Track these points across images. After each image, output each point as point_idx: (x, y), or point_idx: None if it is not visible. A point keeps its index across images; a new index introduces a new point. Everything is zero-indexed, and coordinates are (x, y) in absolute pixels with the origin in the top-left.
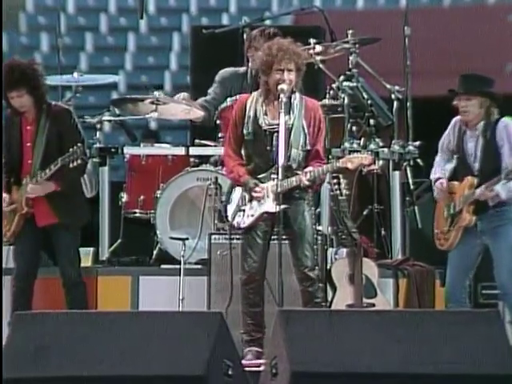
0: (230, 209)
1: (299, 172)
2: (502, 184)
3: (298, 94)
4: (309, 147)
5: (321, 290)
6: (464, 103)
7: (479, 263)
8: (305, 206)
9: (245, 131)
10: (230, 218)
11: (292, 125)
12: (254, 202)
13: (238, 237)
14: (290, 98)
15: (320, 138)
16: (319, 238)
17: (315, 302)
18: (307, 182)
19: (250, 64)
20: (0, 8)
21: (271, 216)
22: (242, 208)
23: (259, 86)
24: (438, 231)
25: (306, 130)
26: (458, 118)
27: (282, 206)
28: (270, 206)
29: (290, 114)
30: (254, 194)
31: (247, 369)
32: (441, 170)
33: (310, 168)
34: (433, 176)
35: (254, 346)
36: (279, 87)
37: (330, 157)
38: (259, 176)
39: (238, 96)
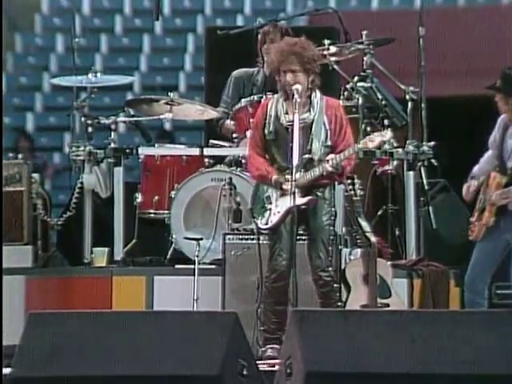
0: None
1: (320, 165)
2: None
3: (318, 92)
4: (329, 143)
5: (335, 291)
6: (496, 98)
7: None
8: (324, 206)
9: (266, 131)
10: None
11: (313, 120)
12: (279, 200)
13: (253, 237)
14: (310, 96)
15: (345, 135)
16: (333, 238)
17: (328, 304)
18: (330, 169)
19: (265, 58)
20: (0, 8)
21: (297, 211)
22: (268, 207)
23: (271, 85)
24: (471, 220)
25: (328, 127)
26: (504, 115)
27: (307, 198)
28: (296, 199)
29: (310, 111)
30: (285, 187)
31: (262, 368)
32: (479, 169)
33: (331, 155)
34: (473, 171)
35: (275, 344)
36: (293, 88)
37: None
38: (282, 175)
39: (252, 97)
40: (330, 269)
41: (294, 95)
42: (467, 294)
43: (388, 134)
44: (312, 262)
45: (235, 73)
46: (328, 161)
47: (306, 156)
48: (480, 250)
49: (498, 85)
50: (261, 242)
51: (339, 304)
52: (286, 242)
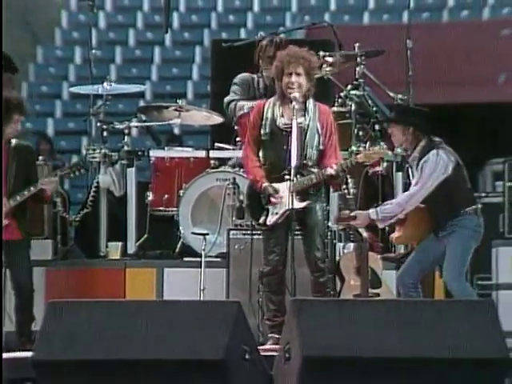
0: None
1: (314, 170)
2: (379, 207)
3: (311, 100)
4: (321, 147)
5: (330, 280)
6: (389, 130)
7: (474, 256)
8: (318, 202)
9: (262, 132)
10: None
11: (307, 126)
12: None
13: (254, 232)
14: (304, 102)
15: (333, 140)
16: (328, 233)
17: (326, 292)
18: (333, 172)
19: (263, 73)
20: (0, 9)
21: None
22: (266, 207)
23: (271, 93)
24: None
25: (320, 131)
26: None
27: (305, 203)
28: (294, 202)
29: (304, 116)
30: (273, 200)
31: (263, 353)
32: None
33: (333, 166)
34: None
35: (274, 333)
36: (292, 95)
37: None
38: (275, 176)
39: (254, 103)
40: (327, 260)
41: (292, 101)
42: (400, 289)
43: (385, 152)
44: (311, 254)
45: (240, 75)
46: (332, 166)
47: (301, 163)
48: (416, 248)
49: (394, 117)
50: (258, 237)
51: (332, 293)
52: (280, 240)
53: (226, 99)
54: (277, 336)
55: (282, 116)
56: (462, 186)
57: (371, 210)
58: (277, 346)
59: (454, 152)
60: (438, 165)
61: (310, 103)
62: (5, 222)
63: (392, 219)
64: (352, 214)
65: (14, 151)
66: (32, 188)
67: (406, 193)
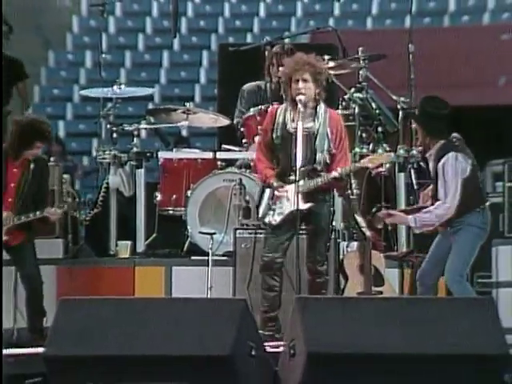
0: (261, 208)
1: (323, 174)
2: (418, 215)
3: (323, 105)
4: (332, 151)
5: (327, 282)
6: (414, 125)
7: (475, 255)
8: (325, 207)
9: (274, 135)
10: (260, 216)
11: (317, 130)
12: (283, 201)
13: (259, 231)
14: (315, 107)
15: (343, 145)
16: (333, 232)
17: (321, 293)
18: (337, 175)
19: (272, 79)
20: (0, 10)
21: (300, 213)
22: (273, 207)
23: (278, 97)
24: None
25: (330, 137)
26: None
27: (309, 204)
28: (299, 204)
29: (314, 121)
30: (277, 193)
31: (268, 350)
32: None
33: (338, 169)
34: None
35: (268, 331)
36: (297, 98)
37: None
38: (286, 178)
39: (260, 106)
40: (326, 263)
41: (298, 106)
42: (418, 288)
43: (389, 157)
44: (311, 255)
45: (246, 86)
46: (337, 169)
47: (311, 167)
48: (434, 246)
49: (417, 114)
50: (261, 236)
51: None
52: (280, 239)
53: (237, 122)
54: (270, 333)
55: (293, 121)
56: (476, 186)
57: (410, 217)
58: (279, 343)
59: (470, 153)
60: (458, 169)
61: (321, 108)
62: (5, 238)
63: (428, 228)
64: (391, 212)
65: (32, 160)
66: (38, 213)
67: (443, 205)
